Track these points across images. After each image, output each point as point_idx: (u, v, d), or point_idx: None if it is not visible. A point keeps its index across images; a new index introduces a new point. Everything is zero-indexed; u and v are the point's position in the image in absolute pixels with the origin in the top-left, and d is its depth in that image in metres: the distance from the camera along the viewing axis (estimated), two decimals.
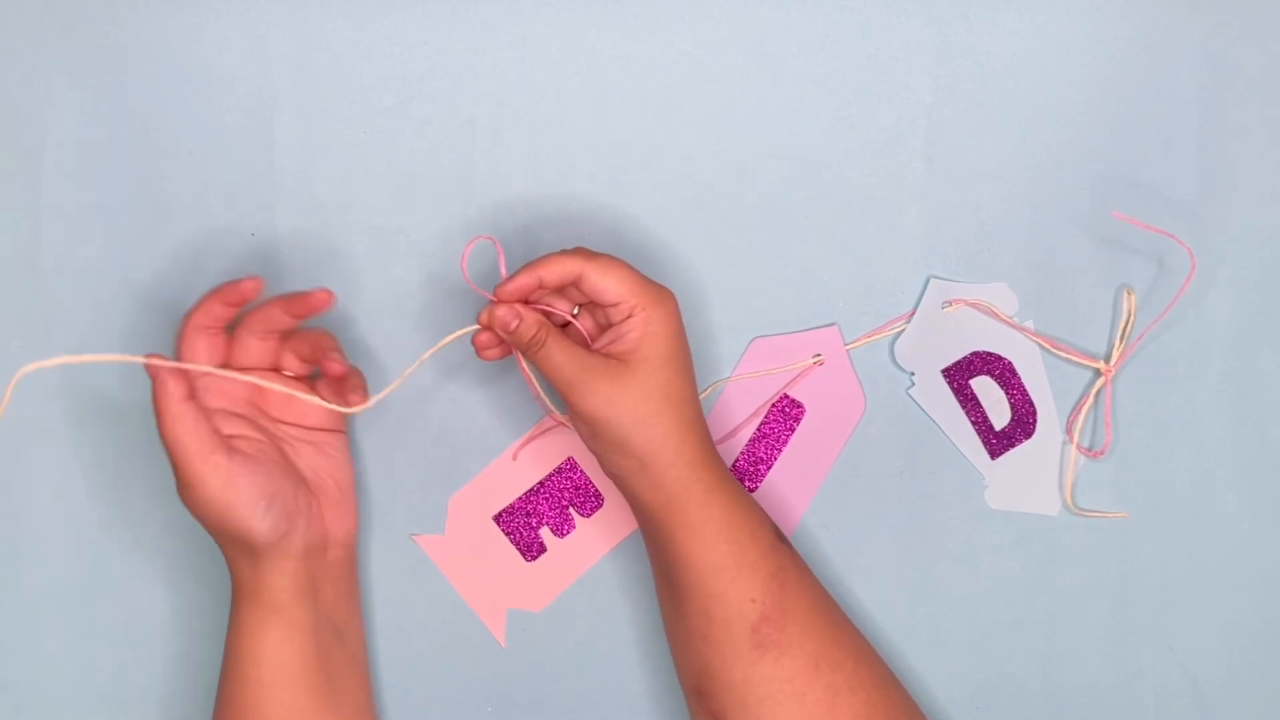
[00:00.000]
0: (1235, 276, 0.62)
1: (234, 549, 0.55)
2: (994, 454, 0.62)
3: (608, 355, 0.54)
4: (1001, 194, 0.62)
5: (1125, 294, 0.60)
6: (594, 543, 0.62)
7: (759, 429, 0.62)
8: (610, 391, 0.53)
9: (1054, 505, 0.62)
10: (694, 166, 0.62)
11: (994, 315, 0.61)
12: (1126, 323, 0.60)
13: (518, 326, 0.54)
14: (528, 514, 0.61)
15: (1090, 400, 0.61)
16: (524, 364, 0.58)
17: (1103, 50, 0.61)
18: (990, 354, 0.62)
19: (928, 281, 0.61)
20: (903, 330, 0.61)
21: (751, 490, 0.62)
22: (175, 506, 0.61)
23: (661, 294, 0.54)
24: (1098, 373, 0.61)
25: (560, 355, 0.54)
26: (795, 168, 0.62)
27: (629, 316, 0.54)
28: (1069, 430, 0.61)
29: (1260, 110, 0.62)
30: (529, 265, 0.54)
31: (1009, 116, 0.62)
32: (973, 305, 0.61)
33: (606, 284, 0.54)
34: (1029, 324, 0.62)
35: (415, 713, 0.62)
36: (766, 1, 0.61)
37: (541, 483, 0.62)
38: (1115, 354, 0.61)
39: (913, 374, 0.62)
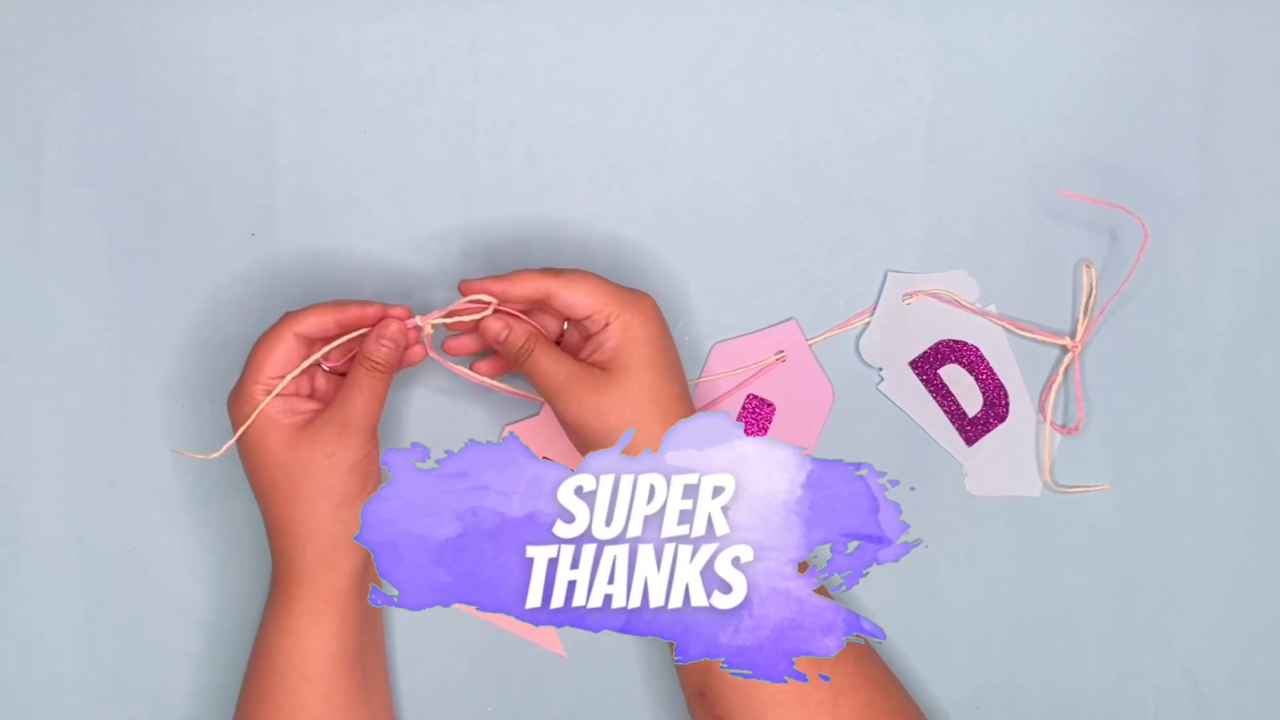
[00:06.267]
0: (1235, 276, 0.62)
1: (323, 534, 0.55)
2: (970, 441, 0.62)
3: (591, 364, 0.55)
4: (1001, 194, 0.62)
5: (1084, 268, 0.60)
6: None
7: (745, 412, 0.62)
8: (595, 400, 0.54)
9: (1035, 485, 0.62)
10: (693, 166, 0.62)
11: (955, 303, 0.61)
12: (1089, 296, 0.61)
13: (507, 337, 0.55)
14: None
15: (1060, 377, 0.61)
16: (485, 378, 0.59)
17: (1103, 50, 0.62)
18: (956, 342, 0.62)
19: (885, 276, 0.62)
20: (867, 324, 0.62)
21: None
22: (174, 506, 0.61)
23: (637, 299, 0.55)
24: (1065, 349, 0.61)
25: (547, 364, 0.55)
26: (795, 168, 0.62)
27: (605, 325, 0.55)
28: (1042, 408, 0.61)
29: (1260, 110, 0.62)
30: (497, 278, 0.55)
31: (1009, 116, 0.62)
32: (933, 295, 0.61)
33: (575, 298, 0.54)
34: (991, 308, 0.62)
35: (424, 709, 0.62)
36: (766, 1, 0.61)
37: None
38: (1080, 329, 0.61)
39: (881, 369, 0.62)
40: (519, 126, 0.62)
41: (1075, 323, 0.61)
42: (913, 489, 0.61)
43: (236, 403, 0.56)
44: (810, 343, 0.62)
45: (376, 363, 0.55)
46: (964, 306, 0.61)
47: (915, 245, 0.62)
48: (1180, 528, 0.62)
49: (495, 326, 0.55)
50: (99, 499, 0.62)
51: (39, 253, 0.62)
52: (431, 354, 0.57)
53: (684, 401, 0.55)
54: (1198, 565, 0.61)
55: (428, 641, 0.61)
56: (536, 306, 0.56)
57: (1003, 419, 0.62)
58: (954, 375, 0.62)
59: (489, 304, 0.56)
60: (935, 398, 0.62)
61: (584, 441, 0.55)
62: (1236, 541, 0.62)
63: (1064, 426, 0.61)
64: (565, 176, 0.62)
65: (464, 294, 0.56)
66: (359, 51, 0.61)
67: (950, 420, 0.62)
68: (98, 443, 0.62)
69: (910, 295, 0.61)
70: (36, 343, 0.62)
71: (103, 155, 0.62)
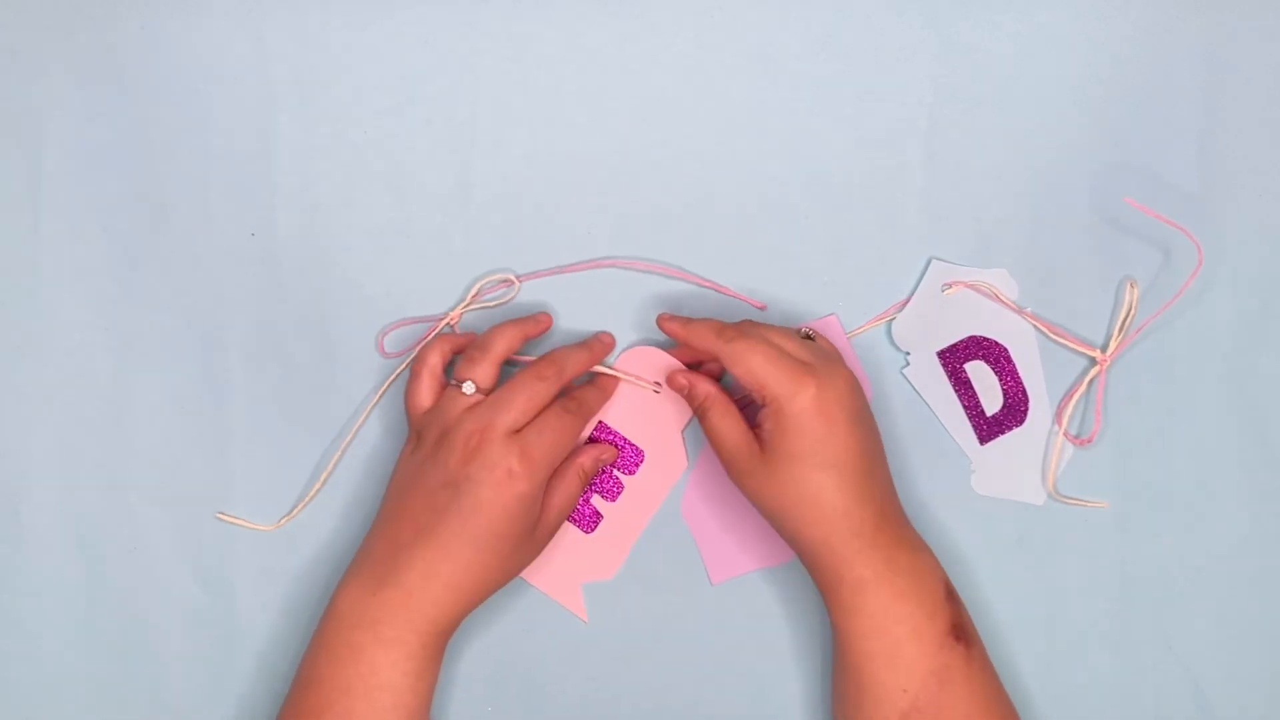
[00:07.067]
0: (1235, 275, 0.62)
1: (480, 598, 0.56)
2: (983, 439, 0.62)
3: (757, 438, 0.55)
4: (1001, 193, 0.62)
5: (1128, 285, 0.60)
6: (646, 498, 0.61)
7: None
8: (752, 481, 0.55)
9: (1039, 494, 0.62)
10: (694, 166, 0.62)
11: (994, 297, 0.61)
12: (1127, 314, 0.60)
13: (688, 392, 0.58)
14: None
15: (1083, 388, 0.61)
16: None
17: (1103, 50, 0.61)
18: (986, 339, 0.62)
19: (929, 262, 0.62)
20: (903, 308, 0.62)
21: None
22: (173, 505, 0.62)
23: (797, 388, 0.54)
24: (1093, 361, 0.61)
25: (717, 429, 0.56)
26: (795, 168, 0.62)
27: (764, 405, 0.55)
28: (1058, 416, 0.61)
29: (1260, 110, 0.62)
30: (683, 320, 0.58)
31: (1009, 116, 0.62)
32: (972, 287, 0.61)
33: (738, 372, 0.55)
34: (1027, 310, 0.62)
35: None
36: (766, 1, 0.61)
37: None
38: (1113, 344, 0.61)
39: (908, 354, 0.62)
40: (519, 126, 0.62)
41: (1108, 337, 0.61)
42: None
43: (535, 482, 0.55)
44: (851, 336, 0.62)
45: (588, 472, 0.59)
46: (1003, 302, 0.61)
47: (916, 244, 0.62)
48: (1180, 528, 0.62)
49: (679, 380, 0.58)
50: (99, 499, 0.62)
51: (39, 253, 0.62)
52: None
53: (839, 492, 0.54)
54: (1198, 565, 0.61)
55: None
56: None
57: (1020, 423, 0.62)
58: (979, 372, 0.62)
59: (514, 281, 0.60)
60: (957, 391, 0.62)
61: (759, 510, 0.56)
62: (1236, 541, 0.62)
63: (1078, 438, 0.61)
64: (565, 176, 0.62)
65: (659, 323, 0.58)
66: (359, 52, 0.61)
67: (967, 415, 0.62)
68: (98, 443, 0.62)
69: (950, 285, 0.61)
70: (36, 343, 0.62)
71: (103, 155, 0.62)
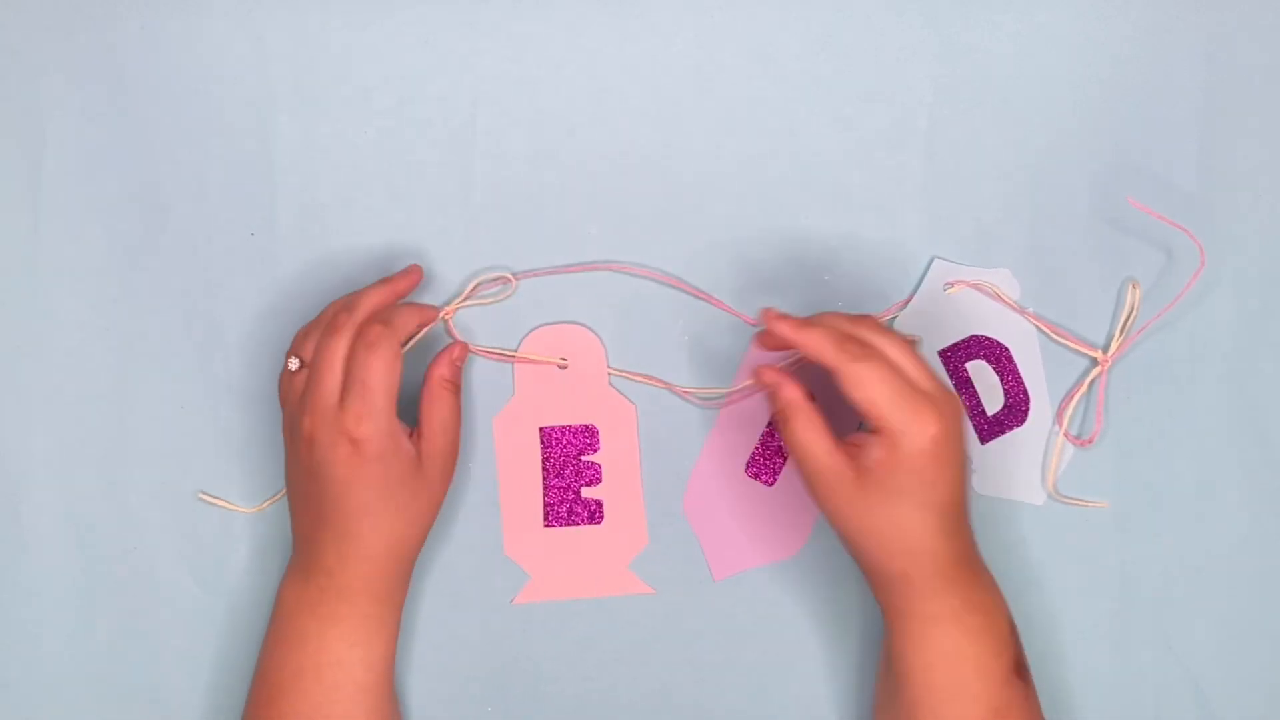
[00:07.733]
0: (1236, 275, 0.62)
1: (415, 552, 0.56)
2: (984, 439, 0.62)
3: (850, 458, 0.52)
4: (1001, 194, 0.62)
5: (1130, 286, 0.60)
6: (625, 458, 0.61)
7: (770, 426, 0.61)
8: (832, 500, 0.52)
9: (1039, 494, 0.62)
10: (694, 166, 0.62)
11: (996, 297, 0.61)
12: (1129, 315, 0.60)
13: (773, 392, 0.54)
14: (562, 493, 0.61)
15: (1084, 388, 0.61)
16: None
17: (1103, 50, 0.62)
18: (988, 339, 0.62)
19: (931, 261, 0.62)
20: (905, 306, 0.62)
21: (768, 486, 0.61)
22: (174, 506, 0.61)
23: (921, 423, 0.51)
24: (1094, 362, 0.61)
25: (801, 440, 0.53)
26: (795, 168, 0.62)
27: (876, 431, 0.51)
28: (1059, 417, 0.61)
29: (1260, 110, 0.62)
30: (799, 325, 0.53)
31: (1009, 116, 0.62)
32: (974, 286, 0.61)
33: (855, 396, 0.51)
34: (1029, 310, 0.62)
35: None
36: (766, 1, 0.61)
37: (543, 466, 0.62)
38: (1114, 345, 0.61)
39: None
40: (519, 126, 0.62)
41: (1109, 337, 0.61)
42: None
43: (376, 434, 0.52)
44: None
45: (451, 380, 0.57)
46: (1004, 301, 0.61)
47: (915, 245, 0.62)
48: (1180, 528, 0.62)
49: (769, 377, 0.54)
50: (99, 499, 0.62)
51: (39, 253, 0.62)
52: (456, 337, 0.60)
53: (925, 532, 0.52)
54: (1198, 565, 0.61)
55: (427, 641, 0.61)
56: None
57: (1021, 423, 0.62)
58: (980, 371, 0.62)
59: (510, 279, 0.60)
60: (958, 390, 0.62)
61: (832, 527, 0.54)
62: (1236, 541, 0.62)
63: (1079, 438, 0.61)
64: (565, 176, 0.62)
65: (764, 319, 0.54)
66: (359, 52, 0.61)
67: (969, 415, 0.62)
68: (98, 443, 0.62)
69: (951, 284, 0.61)
70: (36, 343, 0.62)
71: (103, 155, 0.62)
